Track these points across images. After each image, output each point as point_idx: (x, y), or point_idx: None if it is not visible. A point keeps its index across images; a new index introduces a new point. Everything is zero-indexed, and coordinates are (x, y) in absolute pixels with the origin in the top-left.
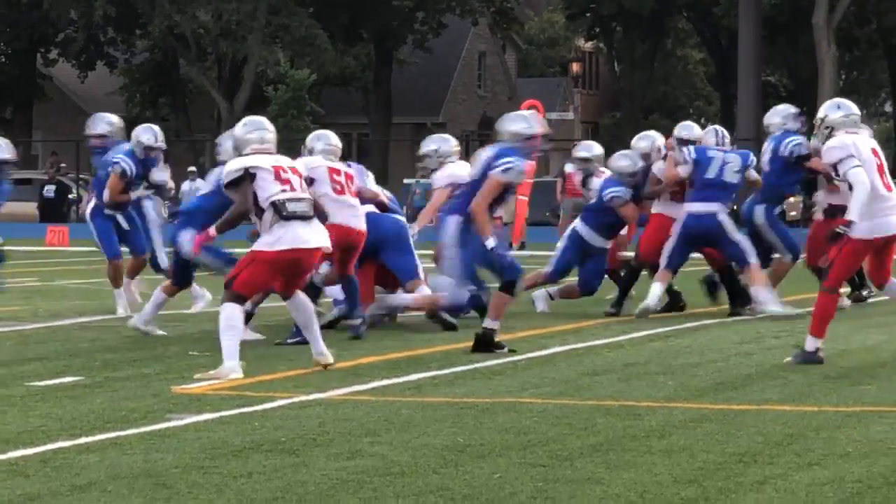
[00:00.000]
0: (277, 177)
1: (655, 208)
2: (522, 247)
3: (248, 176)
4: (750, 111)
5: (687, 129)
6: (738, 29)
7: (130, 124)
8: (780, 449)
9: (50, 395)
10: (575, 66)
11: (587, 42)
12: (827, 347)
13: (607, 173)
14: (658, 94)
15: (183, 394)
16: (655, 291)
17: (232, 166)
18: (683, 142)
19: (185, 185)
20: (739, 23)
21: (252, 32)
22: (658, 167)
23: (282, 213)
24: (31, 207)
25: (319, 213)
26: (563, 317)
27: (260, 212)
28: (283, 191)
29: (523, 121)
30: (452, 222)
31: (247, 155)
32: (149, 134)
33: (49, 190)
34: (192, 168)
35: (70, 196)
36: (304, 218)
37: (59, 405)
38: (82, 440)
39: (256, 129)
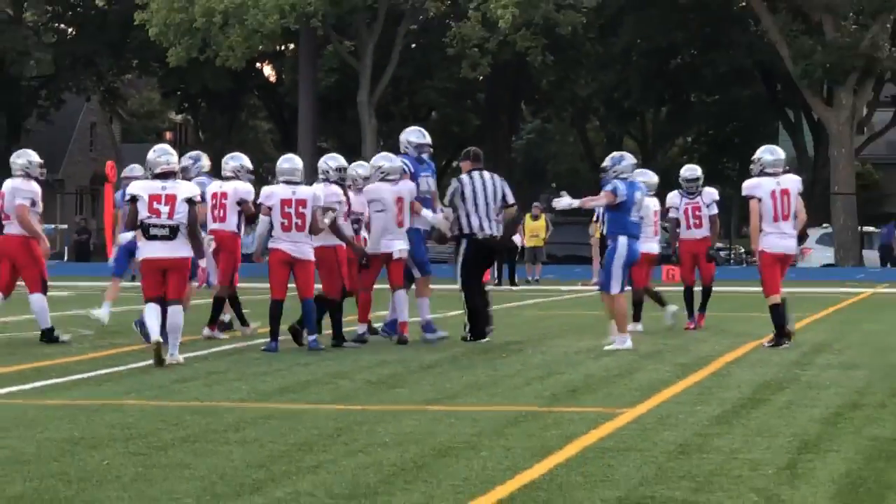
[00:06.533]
0: None
1: None
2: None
3: None
4: (307, 169)
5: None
6: (298, 105)
7: None
8: (332, 440)
9: None
10: (168, 134)
11: (178, 114)
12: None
13: None
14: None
15: None
16: None
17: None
18: None
19: None
20: (300, 100)
21: None
22: None
23: None
24: None
25: None
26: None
27: None
28: None
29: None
30: None
31: None
32: None
33: None
34: None
35: None
36: None
37: None
38: None
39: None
